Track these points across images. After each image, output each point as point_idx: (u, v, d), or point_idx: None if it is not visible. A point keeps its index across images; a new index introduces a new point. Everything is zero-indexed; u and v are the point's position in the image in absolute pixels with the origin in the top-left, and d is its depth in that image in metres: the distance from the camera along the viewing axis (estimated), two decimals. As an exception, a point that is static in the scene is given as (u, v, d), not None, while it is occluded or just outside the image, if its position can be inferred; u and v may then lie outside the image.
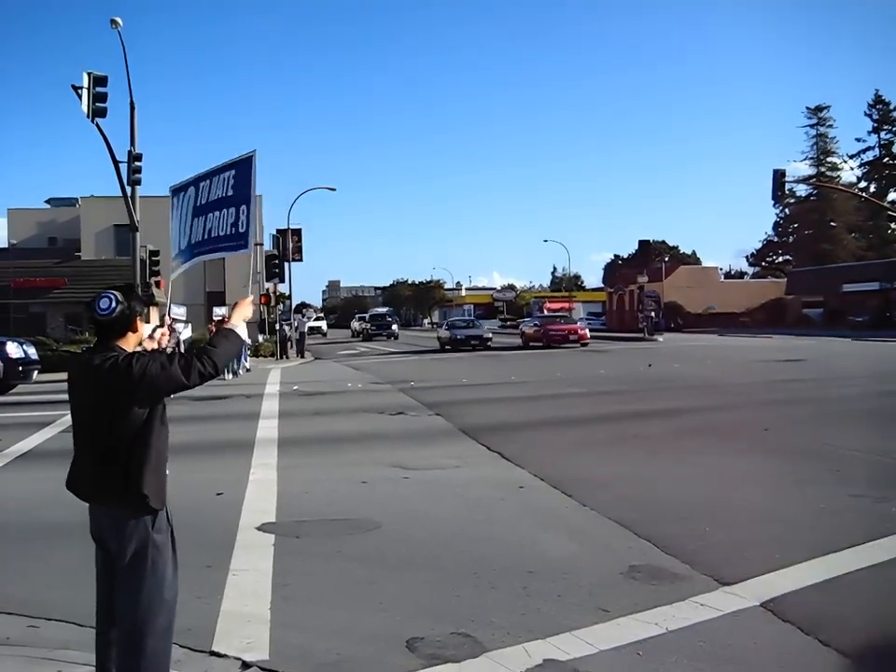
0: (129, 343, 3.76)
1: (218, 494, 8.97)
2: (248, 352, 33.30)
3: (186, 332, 35.41)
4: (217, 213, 6.99)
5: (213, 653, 4.66)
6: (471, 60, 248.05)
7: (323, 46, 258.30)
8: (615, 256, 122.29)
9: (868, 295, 60.18)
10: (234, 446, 12.36)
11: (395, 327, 64.18)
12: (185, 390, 3.73)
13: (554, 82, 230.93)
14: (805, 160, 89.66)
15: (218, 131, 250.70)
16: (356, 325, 74.26)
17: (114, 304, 3.66)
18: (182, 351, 4.22)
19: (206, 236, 7.09)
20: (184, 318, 33.24)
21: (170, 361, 3.61)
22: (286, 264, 42.42)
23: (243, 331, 3.98)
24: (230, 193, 6.89)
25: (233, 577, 6.06)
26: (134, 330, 3.79)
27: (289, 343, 40.16)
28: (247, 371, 31.21)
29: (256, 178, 6.69)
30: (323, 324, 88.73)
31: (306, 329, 44.45)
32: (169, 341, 4.77)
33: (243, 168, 6.81)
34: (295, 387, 22.33)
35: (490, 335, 43.88)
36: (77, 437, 3.79)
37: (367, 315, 74.06)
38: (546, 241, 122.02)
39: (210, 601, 5.47)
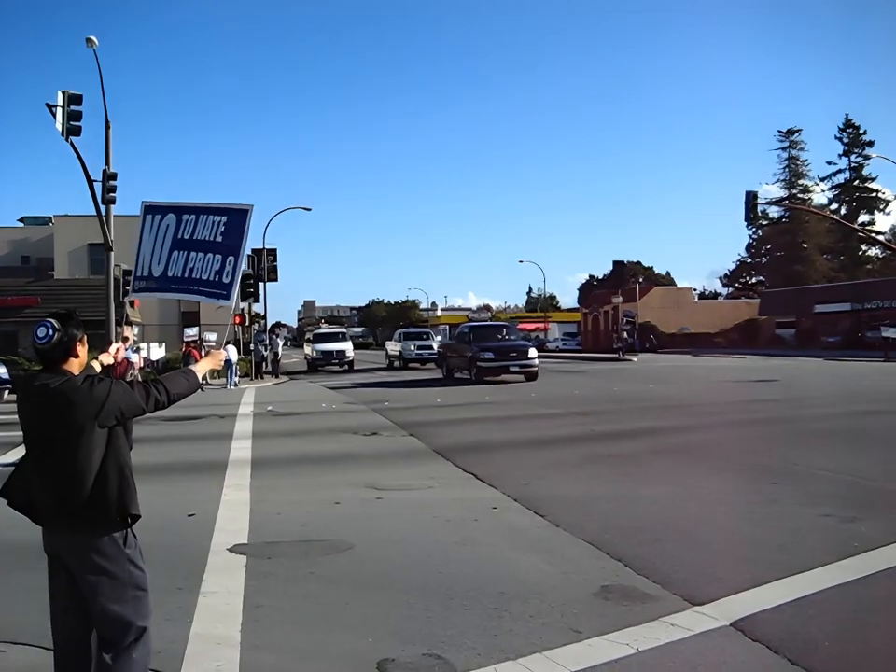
0: (73, 367, 3.79)
1: (190, 515, 8.91)
2: (238, 369, 33.86)
3: (160, 352, 35.49)
4: (200, 254, 6.81)
5: (182, 676, 4.63)
6: (450, 84, 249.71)
7: (304, 65, 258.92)
8: (590, 276, 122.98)
9: (840, 316, 60.95)
10: (207, 467, 12.28)
11: (533, 353, 30.86)
12: (142, 415, 3.90)
13: (532, 108, 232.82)
14: (777, 182, 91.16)
15: (195, 151, 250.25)
16: (401, 347, 44.60)
17: (51, 332, 3.71)
18: (153, 370, 4.35)
19: (186, 274, 6.93)
20: (214, 343, 33.83)
21: (132, 386, 3.81)
22: (260, 284, 42.31)
23: (199, 374, 4.32)
24: (218, 240, 6.71)
25: (204, 599, 6.01)
26: (76, 356, 3.82)
27: (264, 364, 40.08)
28: (236, 385, 31.88)
29: (249, 233, 6.58)
30: (346, 346, 45.56)
31: (280, 349, 44.21)
32: (129, 368, 4.85)
33: (237, 219, 6.62)
34: (269, 408, 22.23)
35: None
36: (33, 461, 3.78)
37: (466, 329, 34.41)
38: (521, 262, 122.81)
39: (180, 623, 5.42)
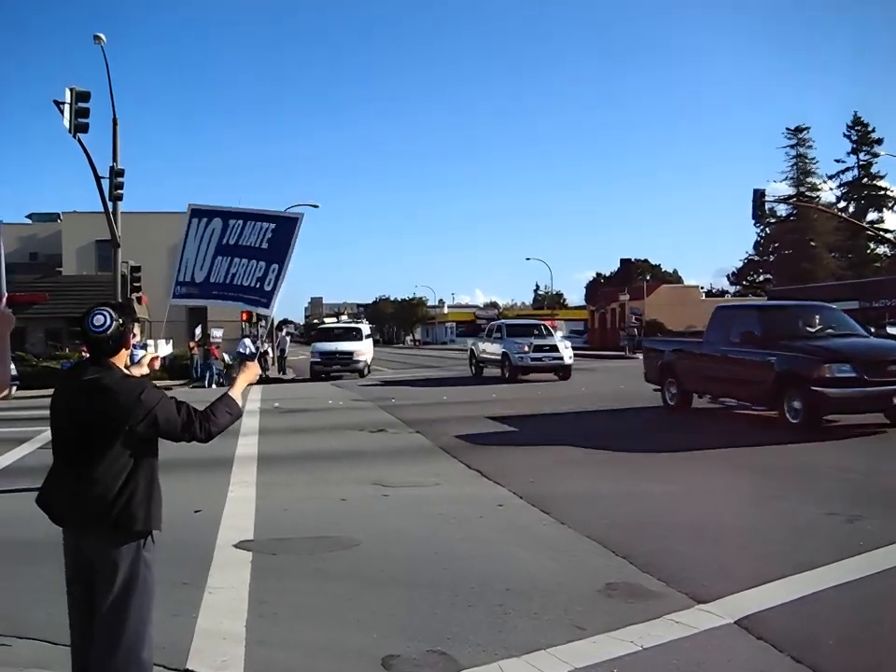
0: (120, 360, 3.75)
1: (196, 511, 8.93)
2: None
3: (166, 349, 35.56)
4: (244, 260, 6.68)
5: (187, 671, 4.65)
6: (458, 83, 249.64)
7: (310, 62, 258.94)
8: (597, 274, 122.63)
9: (848, 314, 60.65)
10: (213, 463, 12.28)
11: None
12: (173, 441, 3.79)
13: (539, 109, 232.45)
14: (784, 180, 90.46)
15: (203, 147, 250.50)
16: (504, 347, 28.70)
17: (109, 321, 3.65)
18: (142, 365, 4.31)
19: (228, 280, 6.81)
20: (220, 339, 34.32)
21: (178, 409, 3.71)
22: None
23: (240, 400, 4.13)
24: (264, 247, 6.58)
25: (209, 594, 6.04)
26: (127, 347, 3.80)
27: (265, 361, 40.13)
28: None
29: (297, 241, 6.45)
30: (357, 346, 35.01)
31: (287, 347, 44.20)
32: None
33: (286, 226, 6.50)
34: (276, 404, 22.23)
35: None
36: (61, 459, 3.69)
37: (752, 314, 16.79)
38: (528, 259, 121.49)
39: (186, 619, 5.44)
